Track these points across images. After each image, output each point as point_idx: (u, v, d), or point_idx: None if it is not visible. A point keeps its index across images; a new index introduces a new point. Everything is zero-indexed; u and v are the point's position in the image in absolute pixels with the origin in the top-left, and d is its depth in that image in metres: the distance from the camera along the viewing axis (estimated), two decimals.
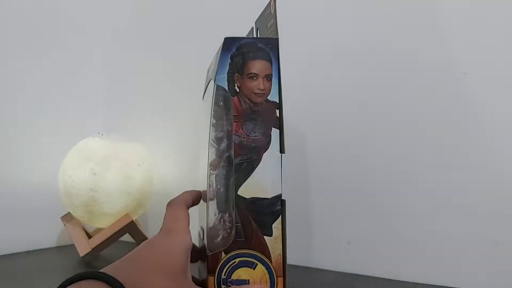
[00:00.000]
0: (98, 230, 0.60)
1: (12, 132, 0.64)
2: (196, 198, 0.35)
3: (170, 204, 0.34)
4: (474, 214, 0.46)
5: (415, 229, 0.49)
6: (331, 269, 0.53)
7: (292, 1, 0.56)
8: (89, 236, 0.58)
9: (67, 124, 0.69)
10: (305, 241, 0.56)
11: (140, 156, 0.60)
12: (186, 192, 0.36)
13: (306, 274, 0.52)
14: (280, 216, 0.29)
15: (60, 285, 0.27)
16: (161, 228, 0.32)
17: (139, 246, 0.31)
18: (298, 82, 0.56)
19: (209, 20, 0.65)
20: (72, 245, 0.57)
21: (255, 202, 0.28)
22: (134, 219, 0.57)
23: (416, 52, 0.50)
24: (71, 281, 0.27)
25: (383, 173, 0.51)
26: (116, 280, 0.26)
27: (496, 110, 0.45)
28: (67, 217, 0.60)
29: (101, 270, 0.28)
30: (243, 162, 0.28)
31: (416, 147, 0.49)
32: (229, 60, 0.29)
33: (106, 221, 0.57)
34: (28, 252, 0.62)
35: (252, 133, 0.28)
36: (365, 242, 0.52)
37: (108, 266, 0.29)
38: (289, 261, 0.55)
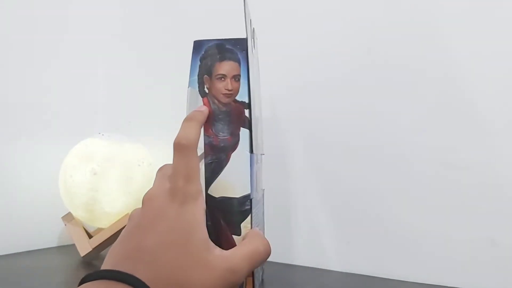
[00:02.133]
0: (99, 230, 0.60)
1: (12, 132, 0.64)
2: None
3: (179, 149, 0.28)
4: (474, 214, 0.46)
5: (415, 229, 0.49)
6: (330, 269, 0.53)
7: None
8: (90, 236, 0.58)
9: (67, 125, 0.70)
10: (304, 241, 0.56)
11: (140, 156, 0.60)
12: (192, 125, 0.29)
13: (305, 274, 0.52)
14: (250, 215, 0.29)
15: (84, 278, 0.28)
16: (172, 187, 0.29)
17: (149, 221, 0.29)
18: (298, 81, 0.56)
19: (210, 20, 0.65)
20: (73, 245, 0.57)
21: (224, 201, 0.29)
22: None
23: (416, 52, 0.50)
24: (87, 280, 0.27)
25: (383, 173, 0.51)
26: (142, 282, 0.26)
27: (496, 110, 0.45)
28: (68, 217, 0.61)
29: (116, 264, 0.28)
30: (213, 162, 0.29)
31: (416, 147, 0.49)
32: (198, 62, 0.29)
33: (106, 221, 0.57)
34: (28, 252, 0.62)
35: (220, 133, 0.29)
36: (365, 242, 0.52)
37: (121, 254, 0.29)
38: (289, 261, 0.55)
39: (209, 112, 0.29)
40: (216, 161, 0.29)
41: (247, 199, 0.29)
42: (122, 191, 0.56)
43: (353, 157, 0.53)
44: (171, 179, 0.30)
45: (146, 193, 0.32)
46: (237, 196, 0.29)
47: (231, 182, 0.28)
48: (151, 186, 0.33)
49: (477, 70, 0.46)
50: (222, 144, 0.29)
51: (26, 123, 0.65)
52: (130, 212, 0.55)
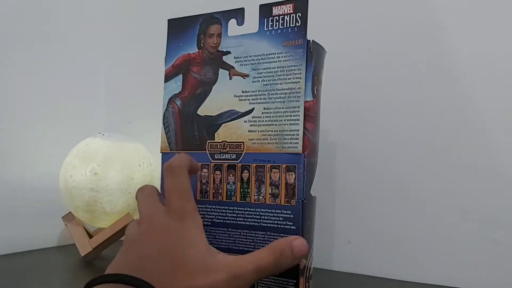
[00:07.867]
0: (99, 229, 0.60)
1: (13, 132, 0.64)
2: (194, 165, 0.35)
3: (171, 170, 0.32)
4: (474, 214, 0.46)
5: (415, 229, 0.49)
6: (331, 268, 0.53)
7: None
8: (90, 235, 0.58)
9: (68, 124, 0.70)
10: None
11: (140, 156, 0.60)
12: (183, 154, 0.34)
13: None
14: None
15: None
16: (167, 206, 0.31)
17: (150, 234, 0.30)
18: None
19: None
20: (73, 245, 0.57)
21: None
22: (135, 218, 0.57)
23: (416, 53, 0.50)
24: (94, 283, 0.27)
25: (383, 173, 0.51)
26: (148, 283, 0.26)
27: (496, 110, 0.46)
28: (68, 217, 0.61)
29: (120, 273, 0.28)
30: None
31: (416, 147, 0.49)
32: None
33: (107, 221, 0.57)
34: (28, 252, 0.62)
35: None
36: (365, 242, 0.52)
37: (123, 264, 0.29)
38: None
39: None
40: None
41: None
42: (123, 191, 0.57)
43: (352, 157, 0.53)
44: (166, 199, 0.32)
45: (142, 214, 0.33)
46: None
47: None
48: (142, 208, 0.34)
49: (477, 69, 0.46)
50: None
51: (27, 122, 0.65)
52: (130, 212, 0.56)
